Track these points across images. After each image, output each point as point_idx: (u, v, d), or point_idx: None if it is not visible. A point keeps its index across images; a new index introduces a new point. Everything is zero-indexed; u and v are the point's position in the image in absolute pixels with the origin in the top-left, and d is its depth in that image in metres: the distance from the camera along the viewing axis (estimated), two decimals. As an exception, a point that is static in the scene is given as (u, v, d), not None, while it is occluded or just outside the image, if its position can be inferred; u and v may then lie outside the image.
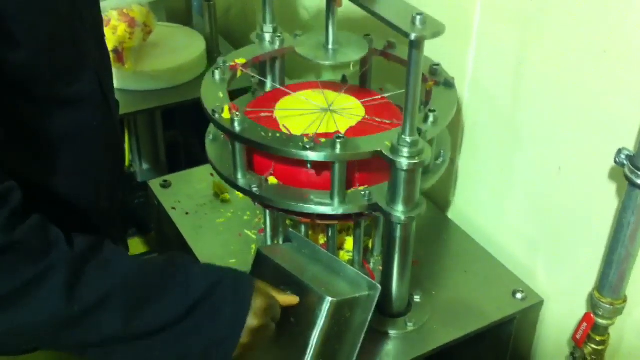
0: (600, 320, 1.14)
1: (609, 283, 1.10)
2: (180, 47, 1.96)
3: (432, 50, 1.17)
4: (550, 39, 1.13)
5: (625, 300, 1.12)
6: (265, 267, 1.08)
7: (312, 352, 1.01)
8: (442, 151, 1.22)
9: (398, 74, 1.30)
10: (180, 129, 2.32)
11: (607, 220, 1.13)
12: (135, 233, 2.22)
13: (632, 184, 1.00)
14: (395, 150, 1.04)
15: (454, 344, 1.19)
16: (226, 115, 1.13)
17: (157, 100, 1.86)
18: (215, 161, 1.23)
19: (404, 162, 1.03)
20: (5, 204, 0.79)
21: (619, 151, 1.01)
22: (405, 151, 1.03)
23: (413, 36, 0.94)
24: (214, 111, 1.14)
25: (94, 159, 0.99)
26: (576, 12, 1.07)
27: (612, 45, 1.03)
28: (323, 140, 1.08)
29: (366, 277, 1.07)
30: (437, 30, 0.95)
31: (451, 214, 1.48)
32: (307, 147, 1.06)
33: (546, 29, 1.14)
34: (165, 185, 1.51)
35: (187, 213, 1.44)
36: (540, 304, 1.28)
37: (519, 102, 1.24)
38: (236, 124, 1.11)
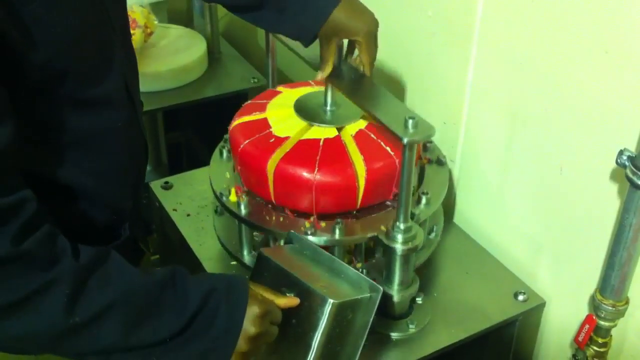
0: (602, 322, 1.14)
1: (610, 285, 1.10)
2: (182, 48, 1.96)
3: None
4: (551, 39, 1.13)
5: (627, 302, 1.12)
6: (266, 269, 1.08)
7: (313, 353, 1.01)
8: (434, 226, 1.28)
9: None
10: (181, 131, 2.32)
11: (609, 221, 1.13)
12: (136, 234, 2.21)
13: (634, 185, 0.99)
14: (389, 236, 1.09)
15: (456, 346, 1.19)
16: (233, 198, 1.21)
17: (158, 102, 1.86)
18: (222, 235, 1.31)
19: (398, 247, 1.09)
20: (18, 215, 0.79)
21: (621, 152, 1.01)
22: (399, 237, 1.09)
23: (405, 140, 0.99)
24: (221, 194, 1.21)
25: (118, 159, 1.00)
26: (578, 11, 1.07)
27: (613, 46, 1.03)
28: (323, 224, 1.16)
29: (368, 278, 1.07)
30: (428, 133, 1.02)
31: (453, 216, 1.48)
32: (308, 232, 1.15)
33: (548, 28, 1.13)
34: (167, 186, 1.51)
35: (188, 215, 1.44)
36: (542, 305, 1.27)
37: (520, 102, 1.24)
38: (242, 207, 1.18)
